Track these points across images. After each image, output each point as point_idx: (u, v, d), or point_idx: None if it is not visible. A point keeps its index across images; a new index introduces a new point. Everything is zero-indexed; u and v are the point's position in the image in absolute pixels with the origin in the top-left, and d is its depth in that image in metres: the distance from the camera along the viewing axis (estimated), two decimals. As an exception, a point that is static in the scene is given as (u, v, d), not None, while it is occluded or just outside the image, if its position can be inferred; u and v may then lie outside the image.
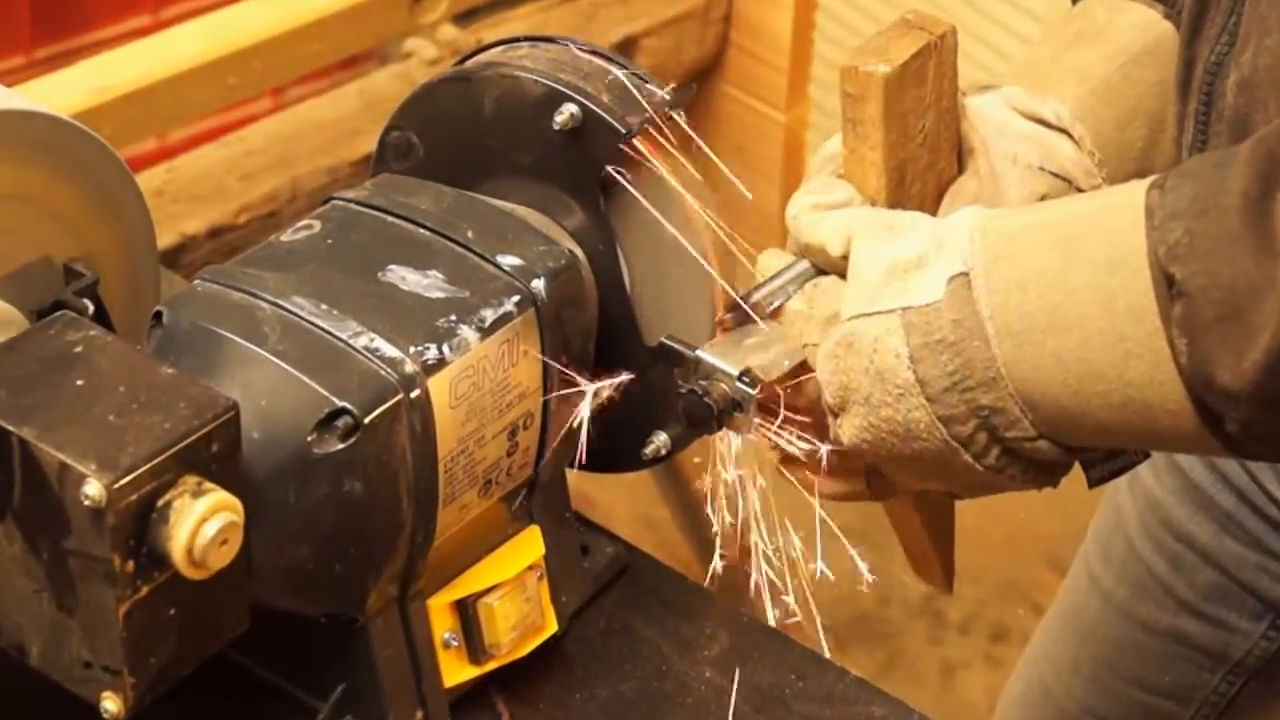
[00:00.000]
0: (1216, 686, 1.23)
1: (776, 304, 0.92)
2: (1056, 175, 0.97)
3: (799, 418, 0.92)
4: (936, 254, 0.86)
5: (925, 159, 0.95)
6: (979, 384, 0.85)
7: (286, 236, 0.93)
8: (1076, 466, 0.92)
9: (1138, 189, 0.83)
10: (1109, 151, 0.99)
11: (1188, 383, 0.81)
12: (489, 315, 0.90)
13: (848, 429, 0.89)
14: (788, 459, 0.94)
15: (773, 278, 0.93)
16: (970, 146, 0.96)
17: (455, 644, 0.94)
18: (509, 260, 0.92)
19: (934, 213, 0.95)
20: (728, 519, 0.94)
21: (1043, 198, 0.97)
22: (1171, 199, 0.81)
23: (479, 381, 0.89)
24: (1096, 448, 0.90)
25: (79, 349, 0.84)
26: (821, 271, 0.92)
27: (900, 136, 0.93)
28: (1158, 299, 0.80)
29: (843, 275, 0.90)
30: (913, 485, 0.92)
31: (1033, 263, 0.84)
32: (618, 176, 0.95)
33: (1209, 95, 0.93)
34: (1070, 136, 0.98)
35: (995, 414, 0.85)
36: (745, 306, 0.93)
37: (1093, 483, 0.95)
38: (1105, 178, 0.99)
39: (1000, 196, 0.96)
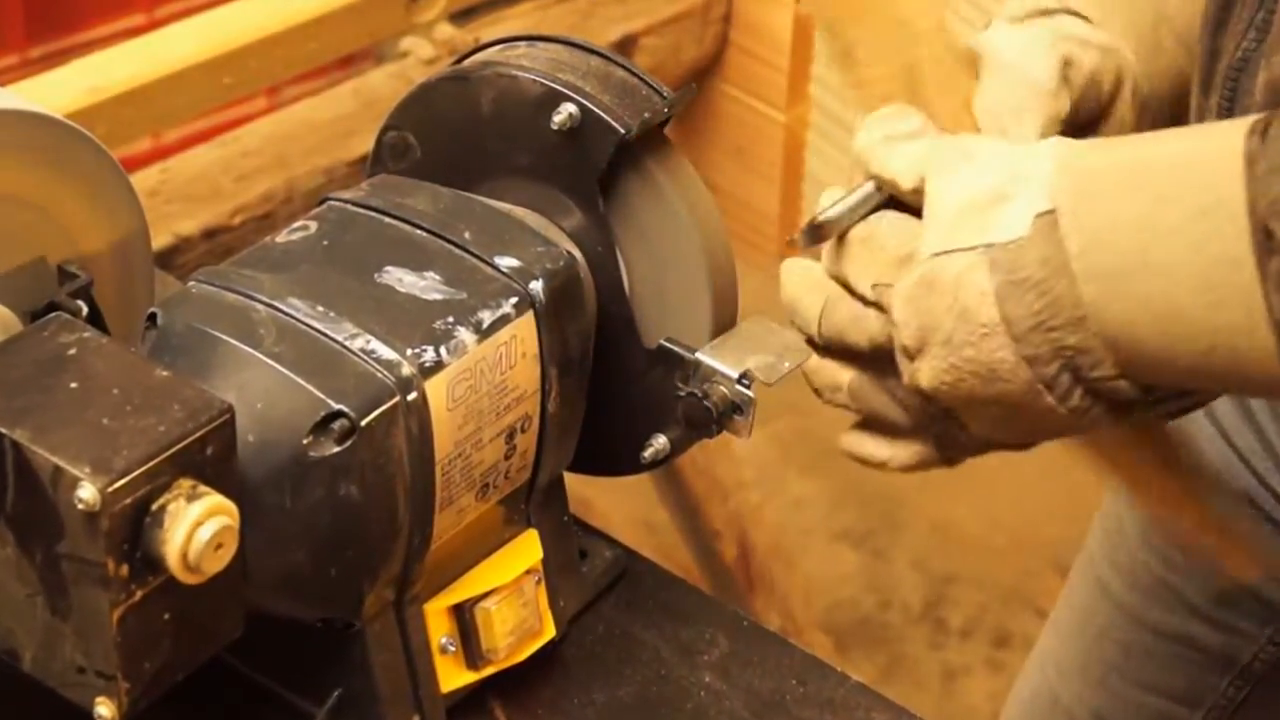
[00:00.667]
0: (1224, 691, 1.23)
1: (843, 227, 0.90)
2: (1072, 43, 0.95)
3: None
4: (1016, 188, 0.85)
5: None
6: (1065, 324, 0.84)
7: (282, 238, 0.93)
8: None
9: (1232, 132, 0.81)
10: (1145, 46, 0.98)
11: None
12: (487, 317, 0.90)
13: (926, 371, 0.87)
14: (855, 428, 0.93)
15: (840, 200, 0.91)
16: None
17: (452, 649, 0.94)
18: (507, 262, 0.92)
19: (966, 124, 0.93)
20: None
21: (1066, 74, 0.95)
22: (1274, 150, 0.80)
23: (476, 384, 0.89)
24: (1177, 389, 0.89)
25: (73, 351, 0.84)
26: (889, 202, 0.90)
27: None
28: (1255, 250, 0.79)
29: (914, 210, 0.89)
30: (985, 434, 0.90)
31: (1121, 203, 0.83)
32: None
33: (1233, 92, 0.92)
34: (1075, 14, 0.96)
35: (1080, 355, 0.84)
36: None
37: (1164, 420, 0.92)
38: (1138, 62, 0.97)
39: (1026, 89, 0.94)
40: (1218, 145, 0.82)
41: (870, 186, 0.91)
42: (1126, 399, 0.86)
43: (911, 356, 0.88)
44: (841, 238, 0.91)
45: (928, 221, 0.87)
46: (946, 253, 0.86)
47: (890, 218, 0.90)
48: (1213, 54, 0.94)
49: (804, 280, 0.93)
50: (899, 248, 0.88)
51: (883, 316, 0.89)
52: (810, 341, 0.93)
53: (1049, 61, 0.93)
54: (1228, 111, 0.92)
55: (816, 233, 0.91)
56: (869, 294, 0.90)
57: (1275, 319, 0.80)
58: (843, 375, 0.93)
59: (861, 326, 0.91)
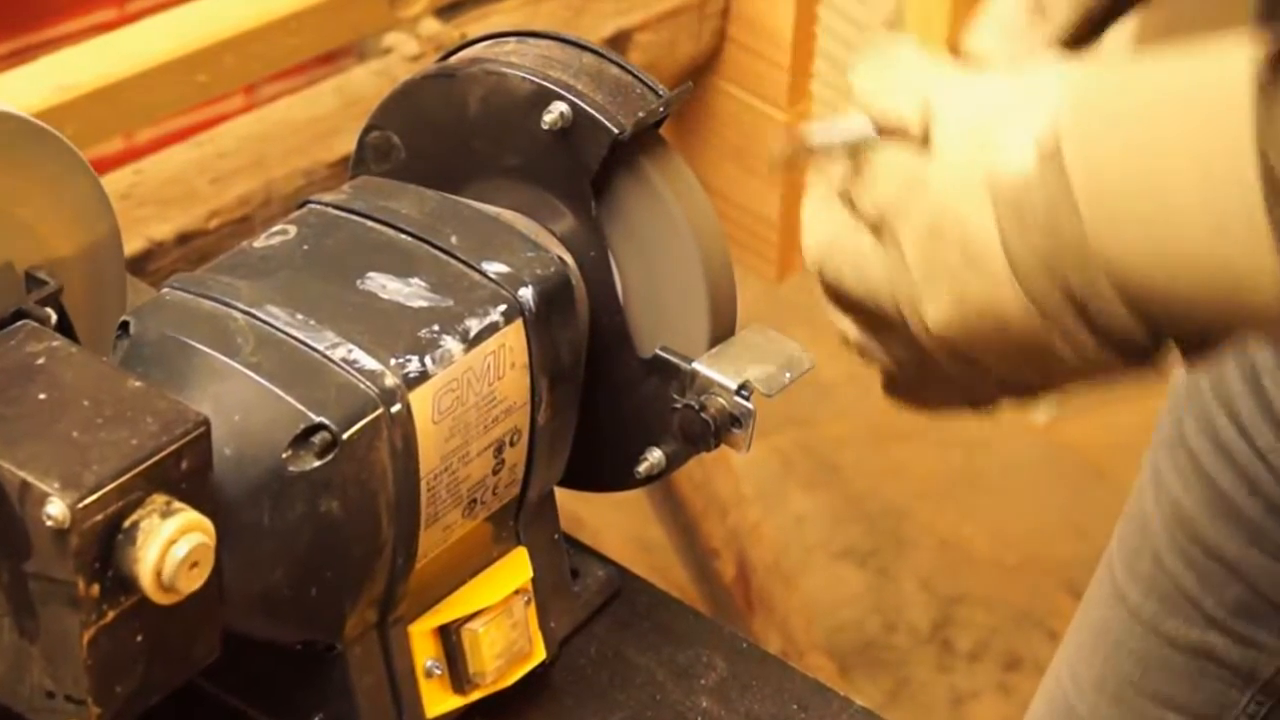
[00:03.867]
0: (1245, 707, 1.23)
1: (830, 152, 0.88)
2: None
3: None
4: (1019, 111, 0.85)
5: None
6: (1068, 258, 0.84)
7: (260, 242, 0.93)
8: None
9: (1240, 59, 0.81)
10: None
11: None
12: (474, 325, 0.90)
13: (933, 315, 0.87)
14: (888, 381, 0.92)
15: (828, 122, 0.89)
16: None
17: (438, 672, 0.94)
18: (495, 267, 0.92)
19: None
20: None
21: None
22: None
23: (463, 395, 0.90)
24: (1183, 327, 0.90)
25: (41, 361, 0.84)
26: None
27: None
28: (1264, 188, 0.80)
29: (914, 143, 0.88)
30: (1004, 375, 0.91)
31: (1127, 130, 0.83)
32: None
33: None
34: None
35: (1084, 290, 0.84)
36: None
37: (1187, 367, 0.93)
38: None
39: None
40: (1222, 73, 0.82)
41: (860, 120, 0.89)
42: (1134, 341, 0.86)
43: (917, 302, 0.88)
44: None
45: (933, 157, 0.87)
46: (950, 190, 0.85)
47: (890, 156, 0.88)
48: None
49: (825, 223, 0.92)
50: (891, 192, 0.88)
51: (886, 261, 0.88)
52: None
53: None
54: None
55: (798, 158, 0.90)
56: (870, 219, 0.89)
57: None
58: (847, 326, 0.92)
59: (862, 273, 0.89)
